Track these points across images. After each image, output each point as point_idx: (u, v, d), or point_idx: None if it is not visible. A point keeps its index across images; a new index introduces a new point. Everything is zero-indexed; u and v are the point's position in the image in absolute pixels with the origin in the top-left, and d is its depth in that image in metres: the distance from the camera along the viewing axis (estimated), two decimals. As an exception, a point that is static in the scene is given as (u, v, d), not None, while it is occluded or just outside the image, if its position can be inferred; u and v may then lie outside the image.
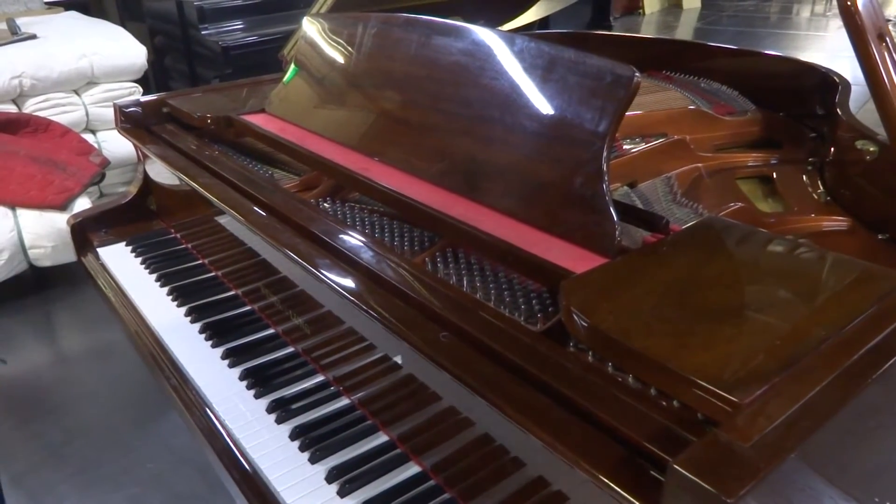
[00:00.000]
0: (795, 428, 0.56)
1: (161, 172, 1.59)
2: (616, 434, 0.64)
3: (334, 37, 1.39)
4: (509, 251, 0.90)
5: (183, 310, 1.32)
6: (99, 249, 1.57)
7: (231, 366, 1.16)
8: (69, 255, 2.59)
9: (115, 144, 3.26)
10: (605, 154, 0.89)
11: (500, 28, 2.06)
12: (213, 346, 1.21)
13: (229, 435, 1.03)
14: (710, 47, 1.85)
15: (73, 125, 3.15)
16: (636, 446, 0.62)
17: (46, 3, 4.19)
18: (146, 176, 1.65)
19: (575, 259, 0.86)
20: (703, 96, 1.63)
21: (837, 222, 1.23)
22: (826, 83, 1.54)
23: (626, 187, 1.22)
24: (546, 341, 0.76)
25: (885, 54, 0.96)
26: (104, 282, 1.51)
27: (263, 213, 1.12)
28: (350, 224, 1.11)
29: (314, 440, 0.98)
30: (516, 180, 0.98)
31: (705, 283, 0.76)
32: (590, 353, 0.76)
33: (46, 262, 2.62)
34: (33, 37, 3.30)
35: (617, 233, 0.86)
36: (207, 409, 1.09)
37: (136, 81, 3.41)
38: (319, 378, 1.11)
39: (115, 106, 1.59)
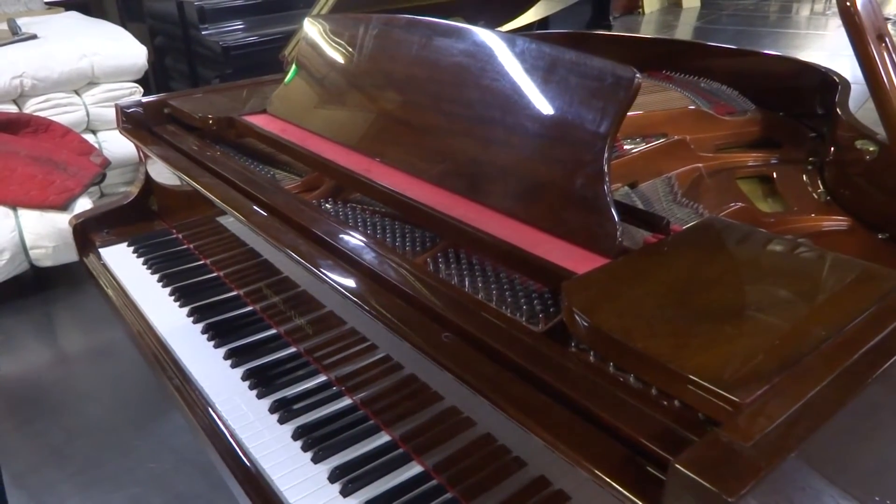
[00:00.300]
0: (796, 427, 0.56)
1: (162, 173, 1.59)
2: (617, 434, 0.64)
3: (335, 38, 1.39)
4: (511, 252, 0.90)
5: (185, 310, 1.33)
6: (101, 250, 1.58)
7: (233, 366, 1.16)
8: (70, 256, 2.60)
9: (116, 145, 3.27)
10: (606, 155, 0.90)
11: (500, 28, 2.07)
12: (216, 346, 1.22)
13: (232, 435, 1.04)
14: (709, 47, 1.85)
15: (73, 125, 3.15)
16: (638, 446, 0.62)
17: (47, 4, 4.20)
18: (148, 176, 1.65)
19: (576, 259, 0.86)
20: (704, 96, 1.63)
21: (837, 222, 1.23)
22: (826, 83, 1.54)
23: (626, 187, 1.22)
24: (548, 341, 0.77)
25: (885, 54, 0.96)
26: (106, 282, 1.52)
27: (265, 214, 1.13)
28: (351, 225, 1.11)
29: (317, 440, 0.98)
30: (517, 181, 0.99)
31: (706, 283, 0.76)
32: (591, 353, 0.76)
33: (47, 263, 2.62)
34: (34, 37, 3.31)
35: (618, 233, 0.86)
36: (210, 409, 1.10)
37: (136, 82, 3.41)
38: (321, 378, 1.11)
39: (116, 107, 1.59)
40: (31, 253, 2.58)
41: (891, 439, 0.80)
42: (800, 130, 1.57)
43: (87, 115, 3.27)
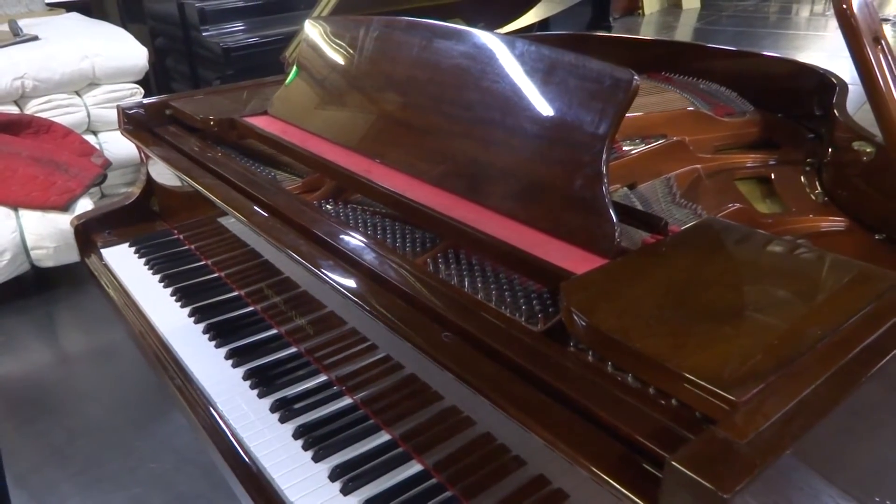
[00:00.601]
0: (791, 425, 0.57)
1: (164, 174, 1.60)
2: (615, 432, 0.65)
3: (336, 39, 1.40)
4: (510, 252, 0.91)
5: (186, 310, 1.34)
6: (102, 250, 1.58)
7: (235, 366, 1.17)
8: (71, 256, 2.60)
9: (117, 145, 3.28)
10: (604, 156, 0.90)
11: (500, 30, 2.07)
12: (217, 346, 1.22)
13: (233, 434, 1.04)
14: (708, 49, 1.86)
15: (74, 126, 3.16)
16: (635, 444, 0.63)
17: (48, 5, 4.21)
18: (149, 177, 1.66)
19: (575, 260, 0.87)
20: (703, 97, 1.64)
21: (835, 222, 1.24)
22: (824, 84, 1.55)
23: (625, 189, 1.23)
24: (546, 341, 0.77)
25: (881, 56, 0.97)
26: (108, 282, 1.53)
27: (266, 215, 1.13)
28: (352, 225, 1.12)
29: (317, 439, 0.99)
30: (517, 182, 0.99)
31: (704, 283, 0.77)
32: (590, 352, 0.77)
33: (48, 263, 2.63)
34: (35, 38, 3.32)
35: (616, 234, 0.87)
36: (211, 409, 1.10)
37: (137, 83, 3.42)
38: (322, 378, 1.12)
39: (118, 108, 1.60)
40: (33, 253, 2.59)
41: (890, 439, 0.81)
42: (798, 132, 1.58)
43: (88, 116, 3.28)
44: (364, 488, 0.91)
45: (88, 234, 1.64)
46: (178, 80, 4.39)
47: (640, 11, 8.34)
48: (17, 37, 3.30)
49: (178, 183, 1.54)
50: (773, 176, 1.40)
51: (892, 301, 0.72)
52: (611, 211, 0.88)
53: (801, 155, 1.48)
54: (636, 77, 0.90)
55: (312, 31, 1.47)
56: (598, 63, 0.94)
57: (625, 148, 1.35)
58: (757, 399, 0.59)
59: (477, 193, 1.03)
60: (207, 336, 1.26)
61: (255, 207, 1.16)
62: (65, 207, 2.58)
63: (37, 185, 2.57)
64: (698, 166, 1.35)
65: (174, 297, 1.38)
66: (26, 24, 3.53)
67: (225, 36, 3.86)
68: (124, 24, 4.15)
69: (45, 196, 2.56)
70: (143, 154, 1.63)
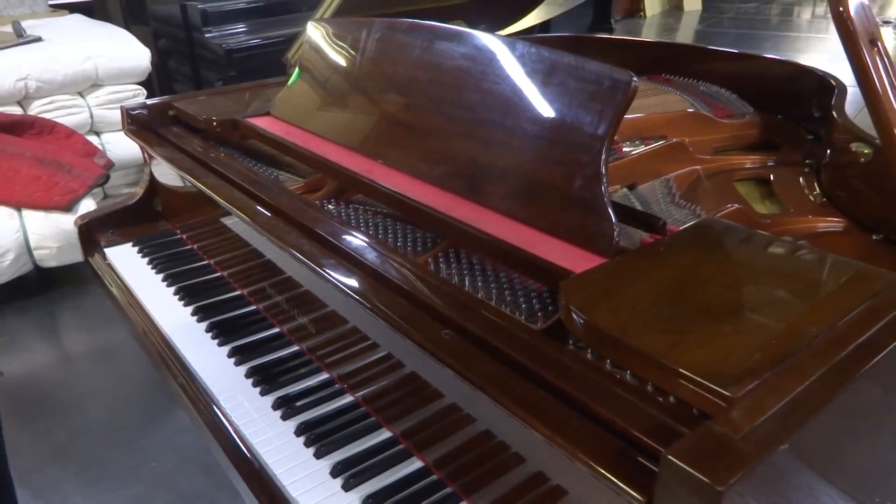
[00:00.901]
0: (786, 420, 0.58)
1: (167, 174, 1.61)
2: (613, 428, 0.66)
3: (338, 41, 1.41)
4: (510, 251, 0.92)
5: (189, 309, 1.35)
6: (106, 250, 1.60)
7: (237, 364, 1.18)
8: (74, 256, 2.62)
9: (120, 146, 3.29)
10: (603, 157, 0.91)
11: (501, 32, 2.08)
12: (220, 344, 1.24)
13: (236, 431, 1.05)
14: (708, 51, 1.87)
15: (77, 127, 3.18)
16: (632, 439, 0.64)
17: (51, 6, 4.22)
18: (152, 177, 1.67)
19: (574, 259, 0.88)
20: (702, 99, 1.65)
21: (833, 223, 1.25)
22: (822, 86, 1.56)
23: (625, 189, 1.24)
24: (546, 339, 0.78)
25: (877, 59, 0.98)
26: (111, 281, 1.54)
27: (269, 214, 1.15)
28: (354, 225, 1.13)
29: (319, 436, 1.00)
30: (517, 182, 1.00)
31: (701, 282, 0.78)
32: (588, 350, 0.78)
33: (51, 263, 2.64)
34: (38, 39, 3.33)
35: (615, 234, 0.88)
36: (214, 407, 1.11)
37: (139, 84, 3.43)
38: (324, 376, 1.13)
39: (122, 108, 1.61)
40: (35, 253, 2.60)
41: (889, 440, 0.82)
42: (797, 133, 1.59)
43: (91, 116, 3.30)
44: (365, 484, 0.92)
45: (92, 233, 1.65)
46: (180, 82, 4.40)
47: (642, 13, 8.35)
48: (21, 38, 3.32)
49: (181, 183, 1.56)
50: (771, 177, 1.41)
51: (887, 299, 0.73)
52: (610, 211, 0.89)
53: (800, 156, 1.49)
54: (635, 78, 0.91)
55: (315, 32, 1.48)
56: (598, 65, 0.95)
57: (625, 149, 1.36)
58: (752, 395, 0.60)
59: (477, 193, 1.04)
60: (210, 334, 1.27)
61: (258, 207, 1.17)
62: (67, 208, 2.60)
63: (40, 185, 2.59)
64: (698, 167, 1.36)
65: (177, 296, 1.40)
66: (30, 26, 3.55)
67: (227, 37, 3.88)
68: (127, 26, 4.17)
69: (48, 196, 2.58)
70: (146, 154, 1.64)
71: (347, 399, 1.08)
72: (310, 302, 1.15)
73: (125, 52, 3.35)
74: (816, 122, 1.58)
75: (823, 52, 6.39)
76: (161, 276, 1.47)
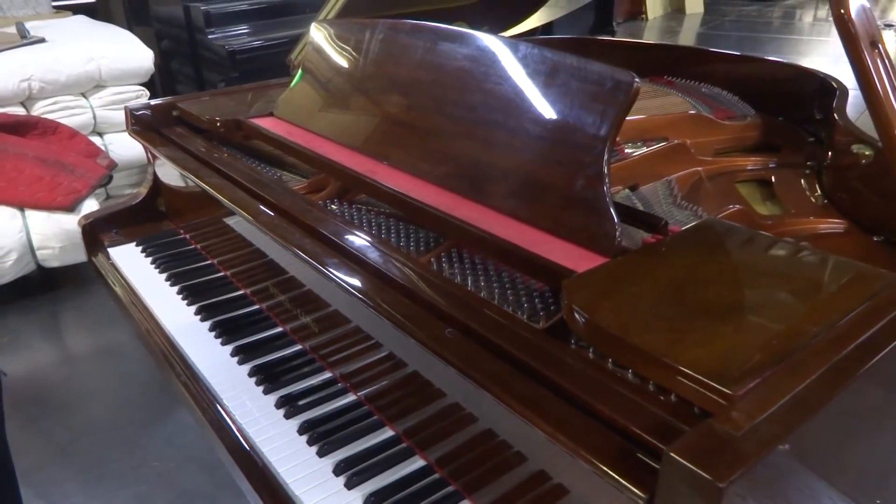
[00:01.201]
0: (786, 419, 0.58)
1: (170, 174, 1.62)
2: (615, 426, 0.66)
3: (341, 42, 1.42)
4: (512, 251, 0.92)
5: (193, 308, 1.35)
6: (110, 249, 1.60)
7: (240, 363, 1.18)
8: (77, 256, 2.63)
9: (122, 147, 3.30)
10: (605, 157, 0.92)
11: (503, 33, 2.09)
12: (223, 343, 1.24)
13: (239, 430, 1.06)
14: (710, 53, 1.88)
15: (80, 128, 3.19)
16: (634, 437, 0.64)
17: (55, 7, 4.24)
18: (156, 177, 1.68)
19: (576, 259, 0.88)
20: (704, 101, 1.65)
21: (834, 225, 1.26)
22: (824, 88, 1.56)
23: (627, 190, 1.24)
24: (548, 338, 0.79)
25: (878, 61, 0.98)
26: (115, 281, 1.54)
27: (272, 214, 1.15)
28: (357, 225, 1.14)
29: (322, 435, 1.00)
30: (519, 182, 1.01)
31: (702, 282, 0.78)
32: (590, 349, 0.78)
33: (54, 263, 2.65)
34: (42, 40, 3.35)
35: (617, 234, 0.88)
36: (217, 405, 1.12)
37: (142, 85, 3.45)
38: (327, 375, 1.13)
39: (125, 109, 1.62)
40: (38, 253, 2.61)
41: (890, 442, 0.82)
42: (798, 135, 1.59)
43: (94, 117, 3.31)
44: (368, 483, 0.93)
45: (96, 233, 1.66)
46: (183, 83, 4.41)
47: (644, 16, 8.36)
48: (24, 39, 3.33)
49: (184, 183, 1.56)
50: (773, 178, 1.41)
51: (887, 299, 0.73)
52: (612, 211, 0.89)
53: (802, 158, 1.49)
54: (637, 80, 0.92)
55: (318, 33, 1.49)
56: (600, 65, 0.96)
57: (626, 150, 1.37)
58: (753, 393, 0.61)
59: (480, 193, 1.05)
60: (213, 334, 1.27)
61: (261, 207, 1.18)
62: (70, 208, 2.60)
63: (43, 185, 2.59)
64: (699, 169, 1.36)
65: (181, 296, 1.40)
66: (33, 27, 3.56)
67: (230, 39, 3.89)
68: (130, 27, 4.18)
69: (51, 197, 2.59)
70: (150, 154, 1.65)
71: (350, 398, 1.08)
72: (313, 301, 1.15)
73: (128, 53, 3.37)
74: (818, 124, 1.58)
75: (825, 55, 6.40)
76: (164, 275, 1.47)
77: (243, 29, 3.98)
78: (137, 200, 1.69)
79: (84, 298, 2.74)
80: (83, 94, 3.28)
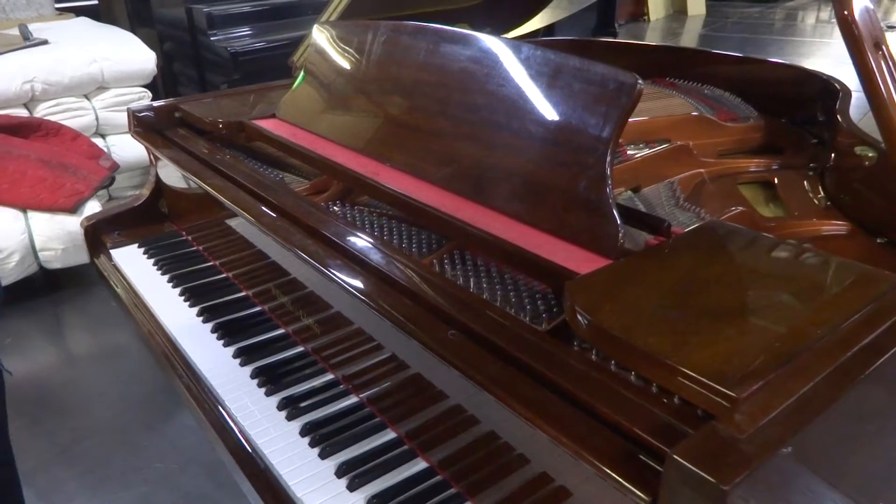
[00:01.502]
0: (789, 421, 0.58)
1: (173, 176, 1.62)
2: (618, 428, 0.66)
3: (344, 44, 1.42)
4: (515, 253, 0.92)
5: (195, 310, 1.35)
6: (112, 251, 1.60)
7: (242, 364, 1.18)
8: (79, 258, 2.63)
9: (125, 148, 3.30)
10: (608, 159, 0.92)
11: (505, 35, 2.09)
12: (225, 345, 1.24)
13: (241, 431, 1.06)
14: (713, 54, 1.87)
15: (83, 129, 3.19)
16: (637, 439, 0.64)
17: (57, 9, 4.24)
18: (158, 179, 1.68)
19: (579, 261, 0.88)
20: (707, 103, 1.65)
21: (837, 227, 1.25)
22: (827, 90, 1.56)
23: (629, 192, 1.24)
24: (551, 340, 0.79)
25: (882, 63, 0.98)
26: (117, 282, 1.54)
27: (274, 216, 1.15)
28: (360, 227, 1.14)
29: (324, 436, 1.00)
30: (522, 184, 1.01)
31: (705, 284, 0.78)
32: (593, 351, 0.78)
33: (56, 265, 2.65)
34: (45, 42, 3.35)
35: (620, 235, 0.88)
36: (219, 407, 1.12)
37: (145, 86, 3.45)
38: (329, 377, 1.13)
39: (128, 110, 1.62)
40: (41, 255, 2.61)
41: (893, 445, 0.82)
42: (801, 137, 1.59)
43: (97, 119, 3.31)
44: (370, 485, 0.93)
45: (98, 234, 1.66)
46: (185, 85, 4.41)
47: (646, 17, 8.36)
48: (27, 41, 3.33)
49: (186, 185, 1.56)
50: (776, 180, 1.41)
51: (891, 301, 0.73)
52: (615, 212, 0.89)
53: (805, 160, 1.49)
54: (640, 81, 0.92)
55: (320, 35, 1.49)
56: (603, 67, 0.96)
57: (629, 152, 1.37)
58: (757, 396, 0.61)
59: (483, 195, 1.05)
60: (215, 335, 1.27)
61: (264, 209, 1.18)
62: (73, 210, 2.61)
63: (45, 187, 2.60)
64: (702, 170, 1.36)
65: (183, 297, 1.40)
66: (36, 29, 3.57)
67: (232, 40, 3.89)
68: (133, 29, 4.19)
69: (54, 198, 2.59)
70: (152, 156, 1.65)
71: (352, 400, 1.08)
72: (315, 303, 1.15)
73: (131, 55, 3.37)
74: (821, 126, 1.58)
75: (828, 57, 6.39)
76: (167, 277, 1.47)
77: (245, 31, 3.98)
78: (140, 202, 1.69)
79: (86, 300, 2.75)
80: (86, 96, 3.28)
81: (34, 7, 4.10)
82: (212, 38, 3.88)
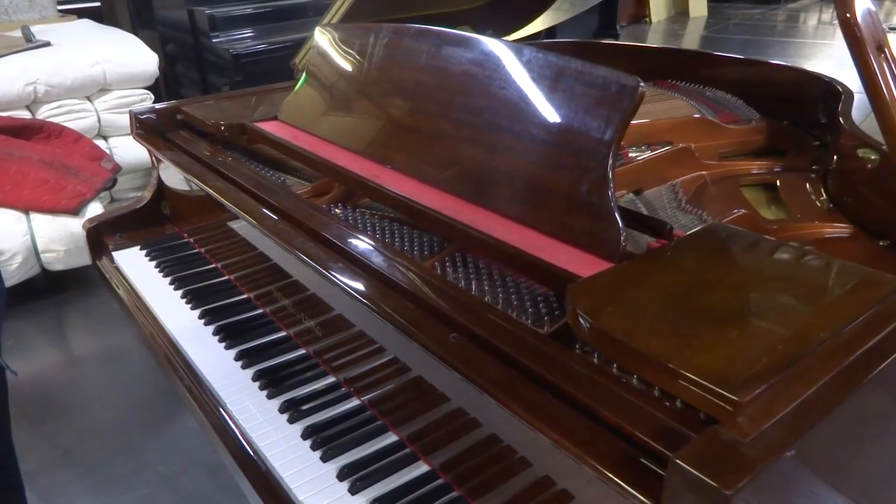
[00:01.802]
0: (793, 425, 0.58)
1: (175, 178, 1.62)
2: (620, 432, 0.66)
3: (346, 46, 1.42)
4: (517, 255, 0.92)
5: (196, 312, 1.35)
6: (114, 253, 1.60)
7: (244, 367, 1.18)
8: (81, 259, 2.63)
9: (127, 150, 3.31)
10: (610, 162, 0.92)
11: (507, 37, 2.09)
12: (227, 347, 1.24)
13: (242, 434, 1.06)
14: (715, 56, 1.87)
15: (85, 131, 3.20)
16: (640, 443, 0.64)
17: (60, 11, 4.25)
18: (160, 181, 1.68)
19: (581, 264, 0.88)
20: (709, 105, 1.65)
21: (839, 229, 1.25)
22: (829, 92, 1.56)
23: (631, 194, 1.24)
24: (553, 343, 0.78)
25: (884, 65, 0.98)
26: (118, 284, 1.54)
27: (276, 218, 1.15)
28: (361, 229, 1.14)
29: (326, 439, 1.00)
30: (524, 187, 1.01)
31: (708, 286, 0.78)
32: (595, 354, 0.78)
33: (59, 266, 2.65)
34: (47, 44, 3.36)
35: (622, 238, 0.88)
36: (221, 409, 1.12)
37: (147, 88, 3.46)
38: (330, 379, 1.13)
39: (130, 113, 1.62)
40: (43, 256, 2.61)
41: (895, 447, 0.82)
42: (803, 139, 1.59)
43: (99, 121, 3.32)
44: (372, 488, 0.93)
45: (100, 237, 1.66)
46: (187, 87, 4.42)
47: (647, 19, 8.36)
48: (30, 43, 3.34)
49: (188, 187, 1.56)
50: (778, 183, 1.41)
51: (894, 305, 0.73)
52: (616, 215, 0.89)
53: (807, 162, 1.49)
54: (642, 84, 0.92)
55: (322, 37, 1.49)
56: (605, 70, 0.96)
57: (631, 154, 1.37)
58: (760, 400, 0.60)
59: (484, 197, 1.05)
60: (217, 338, 1.27)
61: (265, 211, 1.18)
62: (75, 211, 2.61)
63: (48, 189, 2.60)
64: (704, 173, 1.36)
65: (184, 300, 1.40)
66: (38, 31, 3.57)
67: (234, 42, 3.90)
68: (135, 31, 4.19)
69: (56, 200, 2.59)
70: (154, 158, 1.65)
71: (354, 403, 1.08)
72: (316, 305, 1.15)
73: (133, 56, 3.38)
74: (823, 128, 1.58)
75: (830, 59, 6.39)
76: (168, 279, 1.48)
77: (248, 33, 3.99)
78: (142, 204, 1.69)
79: (88, 302, 2.75)
80: (88, 98, 3.29)
81: (37, 9, 4.11)
82: (214, 40, 3.89)
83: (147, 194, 1.71)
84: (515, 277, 0.99)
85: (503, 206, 1.02)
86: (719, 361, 0.65)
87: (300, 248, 1.05)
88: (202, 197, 1.43)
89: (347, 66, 1.39)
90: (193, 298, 1.39)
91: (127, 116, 1.69)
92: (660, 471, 0.60)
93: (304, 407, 1.07)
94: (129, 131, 1.67)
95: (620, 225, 0.89)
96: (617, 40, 6.58)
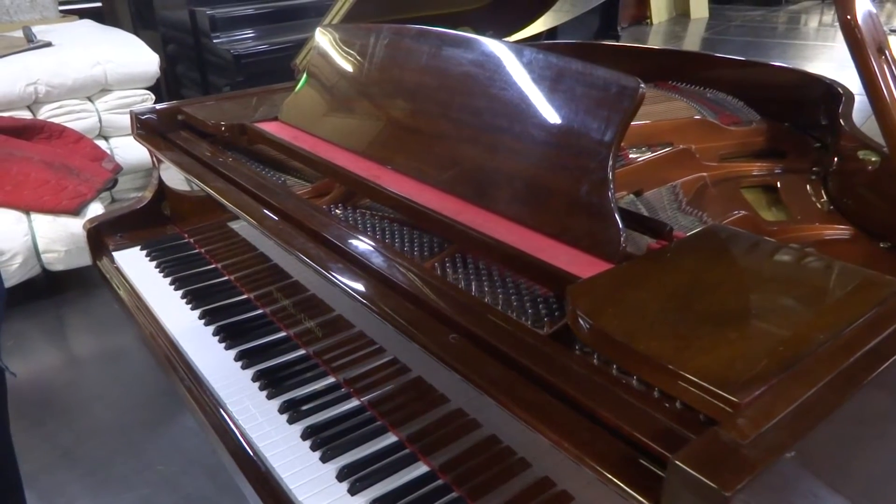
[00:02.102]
0: (792, 426, 0.58)
1: (175, 178, 1.62)
2: (620, 433, 0.66)
3: (346, 47, 1.42)
4: (517, 256, 0.92)
5: (197, 313, 1.35)
6: (114, 253, 1.60)
7: (244, 367, 1.18)
8: (82, 260, 2.63)
9: (128, 150, 3.31)
10: (610, 163, 0.92)
11: (508, 38, 2.09)
12: (227, 348, 1.24)
13: (242, 434, 1.06)
14: (716, 58, 1.87)
15: (86, 131, 3.20)
16: (639, 444, 0.64)
17: (62, 12, 4.25)
18: (161, 182, 1.68)
19: (581, 265, 0.88)
20: (709, 106, 1.65)
21: (840, 231, 1.25)
22: (830, 94, 1.56)
23: (631, 195, 1.24)
24: (552, 344, 0.78)
25: (885, 67, 0.98)
26: (119, 285, 1.54)
27: (276, 219, 1.15)
28: (361, 230, 1.14)
29: (325, 440, 1.00)
30: (524, 188, 1.01)
31: (708, 288, 0.78)
32: (595, 355, 0.78)
33: (59, 267, 2.66)
34: (48, 44, 3.36)
35: (622, 239, 0.88)
36: (221, 410, 1.12)
37: (148, 89, 3.46)
38: (330, 380, 1.13)
39: (131, 113, 1.62)
40: (44, 257, 2.61)
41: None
42: (804, 141, 1.59)
43: (100, 121, 3.32)
44: (371, 488, 0.93)
45: (100, 237, 1.66)
46: (188, 87, 4.43)
47: (648, 21, 8.37)
48: (31, 43, 3.34)
49: (189, 187, 1.57)
50: (778, 184, 1.41)
51: (894, 306, 0.73)
52: (617, 216, 0.89)
53: (807, 164, 1.49)
54: (642, 85, 0.92)
55: (323, 38, 1.49)
56: (605, 71, 0.96)
57: (631, 155, 1.37)
58: (759, 401, 0.60)
59: (484, 198, 1.05)
60: (217, 338, 1.27)
61: (266, 211, 1.18)
62: (76, 212, 2.61)
63: (48, 189, 2.60)
64: (704, 174, 1.36)
65: (184, 300, 1.40)
66: (40, 31, 3.58)
67: (235, 43, 3.90)
68: (136, 31, 4.20)
69: (57, 200, 2.59)
70: (155, 158, 1.65)
71: (354, 403, 1.08)
72: (316, 306, 1.15)
73: (134, 57, 3.38)
74: (823, 130, 1.58)
75: (831, 60, 6.39)
76: (169, 279, 1.48)
77: (249, 33, 3.99)
78: (142, 204, 1.70)
79: (89, 302, 2.75)
80: (89, 98, 3.29)
81: (38, 9, 4.11)
82: (215, 41, 3.90)
83: (147, 195, 1.71)
84: (515, 278, 0.99)
85: (503, 207, 1.02)
86: (719, 363, 0.65)
87: (300, 249, 1.05)
88: (203, 197, 1.43)
89: (348, 67, 1.39)
90: (194, 299, 1.39)
91: (128, 117, 1.70)
92: (659, 472, 0.60)
93: (304, 407, 1.07)
94: (129, 132, 1.67)
95: (620, 226, 0.89)
96: (618, 41, 6.58)
